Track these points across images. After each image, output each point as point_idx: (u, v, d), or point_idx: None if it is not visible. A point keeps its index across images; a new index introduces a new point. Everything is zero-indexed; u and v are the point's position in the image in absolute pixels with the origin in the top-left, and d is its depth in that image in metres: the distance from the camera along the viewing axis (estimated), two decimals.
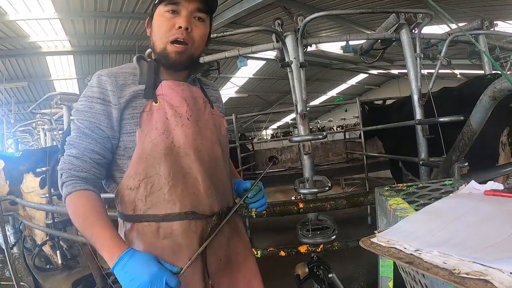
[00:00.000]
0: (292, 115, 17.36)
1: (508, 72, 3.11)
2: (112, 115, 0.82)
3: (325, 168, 4.84)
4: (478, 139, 2.02)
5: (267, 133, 15.38)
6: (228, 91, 10.67)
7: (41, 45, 5.87)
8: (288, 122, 16.99)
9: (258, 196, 0.97)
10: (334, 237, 1.93)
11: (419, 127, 2.24)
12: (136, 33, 5.78)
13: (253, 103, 12.91)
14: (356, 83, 13.55)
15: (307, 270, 1.82)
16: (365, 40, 2.90)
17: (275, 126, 17.78)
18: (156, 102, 0.85)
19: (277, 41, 2.29)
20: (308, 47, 2.44)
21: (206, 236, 0.85)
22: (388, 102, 4.13)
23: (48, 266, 3.12)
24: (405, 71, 2.25)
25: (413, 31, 2.31)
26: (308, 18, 2.09)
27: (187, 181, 0.85)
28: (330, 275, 1.80)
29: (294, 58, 2.20)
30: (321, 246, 1.87)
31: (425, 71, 2.22)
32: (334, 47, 7.62)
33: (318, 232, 1.98)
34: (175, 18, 0.84)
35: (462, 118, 1.96)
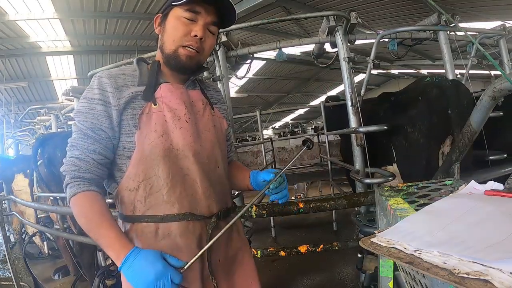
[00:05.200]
0: (292, 115, 17.38)
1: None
2: (112, 116, 0.83)
3: (298, 172, 4.90)
4: (413, 150, 1.89)
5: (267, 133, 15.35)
6: None
7: (41, 45, 5.86)
8: (288, 122, 16.99)
9: (280, 187, 0.94)
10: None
11: (353, 136, 2.11)
12: (136, 33, 5.77)
13: (253, 103, 12.89)
14: (356, 83, 13.51)
15: None
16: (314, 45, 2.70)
17: (276, 125, 17.76)
18: (155, 105, 0.85)
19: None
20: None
21: (207, 237, 0.85)
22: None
23: (38, 255, 3.57)
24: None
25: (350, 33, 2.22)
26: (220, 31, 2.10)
27: (186, 183, 0.86)
28: None
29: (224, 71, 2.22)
30: (321, 246, 1.87)
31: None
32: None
33: None
34: (192, 25, 0.86)
35: (385, 127, 1.87)
